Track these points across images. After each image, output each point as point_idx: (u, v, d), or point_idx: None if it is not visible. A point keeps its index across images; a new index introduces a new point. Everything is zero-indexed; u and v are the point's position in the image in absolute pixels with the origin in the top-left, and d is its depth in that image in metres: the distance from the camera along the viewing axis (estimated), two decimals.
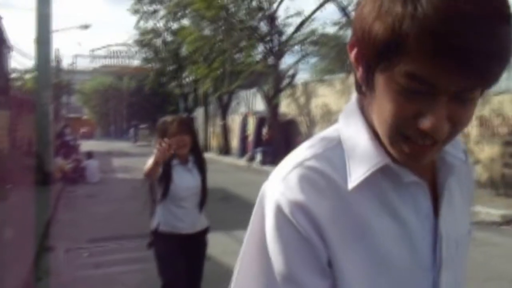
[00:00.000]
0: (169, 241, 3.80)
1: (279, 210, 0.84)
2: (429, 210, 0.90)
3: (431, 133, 0.76)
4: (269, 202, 0.87)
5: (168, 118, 3.85)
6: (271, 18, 21.85)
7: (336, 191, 0.85)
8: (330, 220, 0.83)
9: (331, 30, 20.46)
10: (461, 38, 0.67)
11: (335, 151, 0.89)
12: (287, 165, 0.90)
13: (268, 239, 0.85)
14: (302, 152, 0.91)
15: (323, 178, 0.86)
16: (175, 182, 3.75)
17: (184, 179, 3.80)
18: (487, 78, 0.72)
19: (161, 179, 3.74)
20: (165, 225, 3.84)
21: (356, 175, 0.86)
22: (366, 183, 0.85)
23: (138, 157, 28.08)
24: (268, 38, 22.50)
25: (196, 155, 3.93)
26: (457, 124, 0.78)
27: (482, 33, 0.67)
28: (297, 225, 0.82)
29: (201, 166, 3.95)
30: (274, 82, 21.36)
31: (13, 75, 30.06)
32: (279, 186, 0.87)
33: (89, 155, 16.75)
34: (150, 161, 3.56)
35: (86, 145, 29.58)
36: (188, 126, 3.84)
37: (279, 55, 21.78)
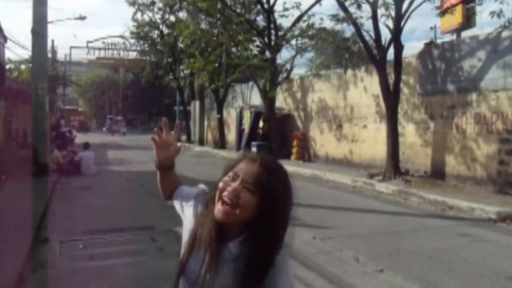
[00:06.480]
0: None
1: None
2: None
3: None
4: None
5: (251, 154, 1.78)
6: (268, 12, 21.81)
7: None
8: None
9: (328, 24, 20.44)
10: None
11: None
12: None
13: None
14: None
15: None
16: (187, 276, 1.77)
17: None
18: None
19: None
20: None
21: None
22: None
23: (133, 149, 28.11)
24: (265, 32, 22.46)
25: (253, 235, 1.68)
26: None
27: None
28: None
29: (258, 262, 1.65)
30: (271, 76, 21.33)
31: (9, 66, 29.95)
32: None
33: (86, 146, 16.68)
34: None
35: (79, 137, 29.54)
36: (263, 179, 1.66)
37: (276, 49, 21.75)
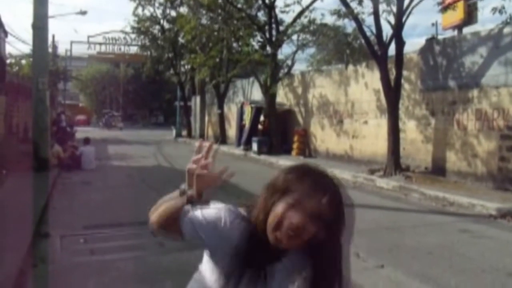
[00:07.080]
0: None
1: None
2: None
3: None
4: None
5: (313, 172, 1.70)
6: (270, 7, 21.76)
7: None
8: None
9: (330, 20, 20.32)
10: None
11: None
12: None
13: None
14: None
15: None
16: None
17: None
18: None
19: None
20: None
21: None
22: None
23: (134, 144, 28.11)
24: (266, 28, 22.41)
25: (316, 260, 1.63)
26: None
27: None
28: None
29: None
30: (272, 72, 21.31)
31: (9, 61, 29.90)
32: None
33: (86, 141, 16.68)
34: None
35: (80, 132, 29.54)
36: (332, 213, 1.56)
37: (277, 44, 21.70)
